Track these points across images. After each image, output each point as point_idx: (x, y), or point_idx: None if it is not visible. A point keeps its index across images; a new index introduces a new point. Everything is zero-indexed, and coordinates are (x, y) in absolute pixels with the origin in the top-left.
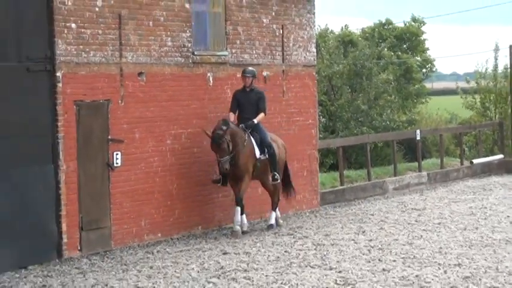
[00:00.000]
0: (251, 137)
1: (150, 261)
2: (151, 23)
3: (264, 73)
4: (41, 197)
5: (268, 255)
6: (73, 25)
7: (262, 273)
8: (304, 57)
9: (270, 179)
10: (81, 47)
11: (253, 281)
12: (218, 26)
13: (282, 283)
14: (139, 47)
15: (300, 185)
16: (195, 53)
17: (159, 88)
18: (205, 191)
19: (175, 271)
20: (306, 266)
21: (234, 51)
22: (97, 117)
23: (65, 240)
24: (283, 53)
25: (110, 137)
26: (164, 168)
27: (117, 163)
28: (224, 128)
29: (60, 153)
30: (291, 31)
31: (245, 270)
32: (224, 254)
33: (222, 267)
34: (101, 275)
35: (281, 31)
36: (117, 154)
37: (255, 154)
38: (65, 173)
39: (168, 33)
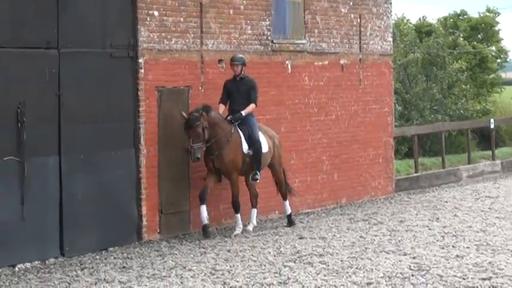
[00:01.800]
0: (239, 130)
1: (227, 245)
2: (231, 11)
3: (341, 61)
4: (122, 180)
5: (344, 241)
6: (155, 13)
7: (338, 258)
8: (381, 46)
9: (250, 177)
10: (163, 34)
11: (328, 265)
12: (297, 15)
13: (357, 268)
14: (220, 35)
15: (375, 172)
16: (274, 41)
17: None
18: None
19: (252, 255)
20: (381, 252)
21: (312, 39)
22: (177, 103)
23: (144, 223)
24: (360, 42)
25: None
26: None
27: None
28: (201, 111)
29: (142, 137)
30: (368, 20)
31: (321, 255)
32: (300, 238)
33: (298, 252)
34: (179, 258)
35: (358, 20)
36: None
37: (242, 149)
38: (145, 157)
39: (248, 21)
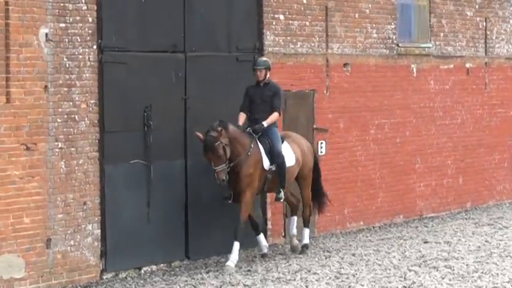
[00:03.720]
0: (259, 143)
1: (352, 249)
2: (357, 15)
3: (467, 65)
4: None
5: (469, 245)
6: (281, 17)
7: (463, 263)
8: (507, 49)
9: (275, 197)
10: (288, 38)
11: (453, 269)
12: (422, 18)
13: (482, 272)
14: (345, 39)
15: (500, 176)
16: (400, 44)
17: (364, 79)
18: (407, 180)
19: (376, 259)
20: (507, 256)
21: (437, 43)
22: (303, 107)
23: (269, 226)
24: (486, 46)
25: (315, 126)
26: (367, 158)
27: (321, 152)
28: (219, 129)
29: None
30: (494, 24)
31: (446, 259)
32: (425, 243)
33: (423, 256)
34: (304, 261)
35: (484, 24)
36: (321, 143)
37: (262, 165)
38: None
39: (374, 25)
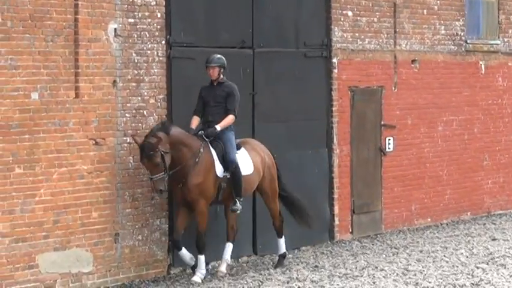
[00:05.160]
0: (211, 148)
1: (419, 245)
2: (425, 11)
3: None
4: (315, 180)
5: None
6: (349, 13)
7: None
8: None
9: (230, 207)
10: (356, 34)
11: None
12: (491, 15)
13: None
14: (413, 35)
15: None
16: (468, 41)
17: (431, 75)
18: (475, 177)
19: (444, 255)
20: None
21: (506, 40)
22: (370, 103)
23: (336, 222)
24: None
25: (382, 123)
26: (435, 154)
27: (389, 148)
28: (159, 134)
29: (335, 137)
30: None
31: None
32: (493, 240)
33: (490, 253)
34: (371, 258)
35: None
36: (389, 139)
37: (215, 172)
38: (338, 156)
39: (442, 21)
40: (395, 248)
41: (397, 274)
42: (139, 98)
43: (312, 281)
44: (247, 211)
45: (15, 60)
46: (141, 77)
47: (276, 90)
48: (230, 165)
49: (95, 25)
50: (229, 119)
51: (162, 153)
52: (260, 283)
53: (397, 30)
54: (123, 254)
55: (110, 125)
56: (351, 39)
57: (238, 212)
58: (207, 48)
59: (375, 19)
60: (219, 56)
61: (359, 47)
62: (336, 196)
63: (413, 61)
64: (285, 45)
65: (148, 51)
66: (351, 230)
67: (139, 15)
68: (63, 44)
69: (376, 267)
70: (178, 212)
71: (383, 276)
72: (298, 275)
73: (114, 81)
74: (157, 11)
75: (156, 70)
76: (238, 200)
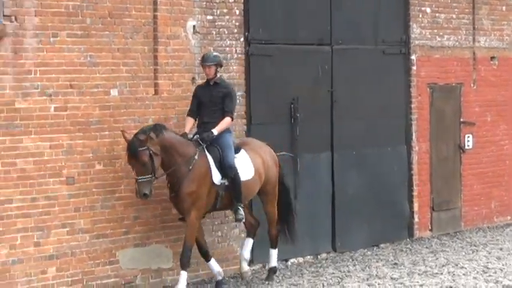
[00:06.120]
0: (207, 153)
1: (499, 243)
2: (504, 8)
3: None
4: (394, 177)
5: None
6: (428, 9)
7: None
8: None
9: (234, 217)
10: (435, 31)
11: None
12: None
13: None
14: (492, 32)
15: None
16: None
17: (510, 72)
18: None
19: None
20: None
21: None
22: (449, 100)
23: (416, 220)
24: None
25: (461, 120)
26: None
27: (468, 145)
28: (149, 133)
29: (413, 134)
30: None
31: None
32: None
33: None
34: (451, 255)
35: None
36: (468, 137)
37: (211, 179)
38: (417, 153)
39: None
40: (475, 246)
41: (477, 272)
42: None
43: (392, 278)
44: (326, 208)
45: (95, 57)
46: (220, 74)
47: (355, 87)
48: (228, 171)
49: (173, 22)
50: (226, 121)
51: (151, 152)
52: (340, 280)
53: (476, 26)
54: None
55: (183, 122)
56: (429, 36)
57: (242, 219)
58: (285, 45)
59: (454, 16)
60: (215, 53)
61: (438, 43)
62: (415, 193)
63: (492, 58)
64: (363, 42)
65: (227, 48)
66: (430, 228)
67: (218, 12)
68: (142, 41)
69: (456, 265)
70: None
71: (463, 274)
72: (377, 272)
73: (193, 78)
74: (235, 8)
75: (234, 67)
76: (240, 207)
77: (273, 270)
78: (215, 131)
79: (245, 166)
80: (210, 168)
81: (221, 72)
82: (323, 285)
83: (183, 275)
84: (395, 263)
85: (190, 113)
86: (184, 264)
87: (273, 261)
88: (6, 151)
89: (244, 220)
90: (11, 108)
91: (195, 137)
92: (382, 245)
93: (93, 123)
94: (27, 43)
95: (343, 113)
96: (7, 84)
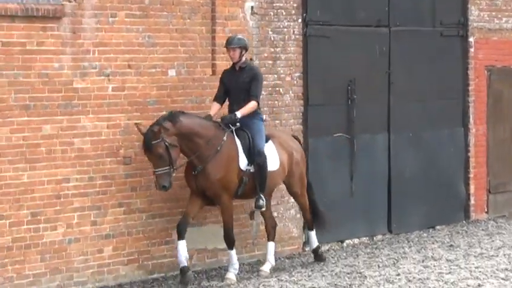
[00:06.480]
0: (235, 137)
1: None
2: None
3: None
4: (451, 159)
5: None
6: None
7: None
8: None
9: (253, 204)
10: (493, 13)
11: None
12: None
13: None
14: None
15: None
16: None
17: None
18: None
19: None
20: None
21: None
22: (507, 83)
23: (472, 202)
24: None
25: None
26: None
27: None
28: (164, 123)
29: (471, 116)
30: None
31: None
32: None
33: None
34: (507, 237)
35: None
36: None
37: (238, 164)
38: (474, 136)
39: None
40: None
41: None
42: (276, 76)
43: (448, 260)
44: (382, 189)
45: (153, 38)
46: (278, 55)
47: (412, 69)
48: (257, 157)
49: (231, 3)
50: (252, 105)
51: (167, 144)
52: (395, 261)
53: None
54: (259, 231)
55: None
56: (487, 18)
57: (263, 209)
58: (342, 27)
59: None
60: (240, 36)
61: (496, 26)
62: (471, 175)
63: None
64: (421, 24)
65: (285, 29)
66: (486, 210)
67: None
68: (200, 21)
69: None
70: (191, 199)
71: None
72: (433, 254)
73: (251, 59)
74: None
75: (292, 48)
76: (263, 196)
77: (317, 250)
78: (239, 114)
79: (271, 157)
80: (238, 152)
81: (278, 53)
82: (378, 267)
83: (232, 254)
84: (451, 245)
85: (216, 99)
86: (230, 244)
87: (314, 242)
88: (64, 130)
89: (263, 208)
90: (69, 88)
91: (220, 120)
92: (437, 227)
93: (150, 104)
94: (85, 23)
95: (400, 95)
96: (65, 64)
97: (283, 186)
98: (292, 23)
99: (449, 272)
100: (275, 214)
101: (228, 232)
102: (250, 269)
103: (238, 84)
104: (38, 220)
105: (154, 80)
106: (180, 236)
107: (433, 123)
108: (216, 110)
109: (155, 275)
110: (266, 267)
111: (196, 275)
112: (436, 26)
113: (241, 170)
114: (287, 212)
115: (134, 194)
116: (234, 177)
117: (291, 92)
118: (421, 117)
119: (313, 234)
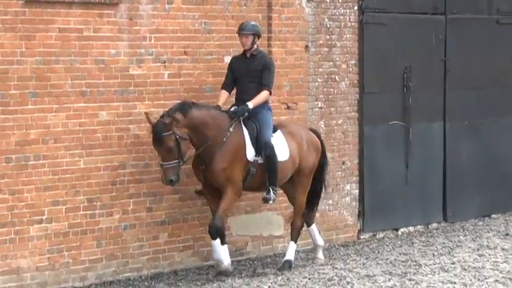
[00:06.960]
0: (244, 127)
1: None
2: None
3: None
4: (507, 148)
5: None
6: None
7: None
8: None
9: (262, 196)
10: None
11: None
12: None
13: None
14: None
15: None
16: None
17: None
18: None
19: None
20: None
21: None
22: None
23: None
24: None
25: None
26: None
27: None
28: (176, 115)
29: None
30: None
31: None
32: None
33: None
34: None
35: None
36: None
37: (245, 155)
38: None
39: None
40: None
41: None
42: (331, 63)
43: (503, 249)
44: (437, 178)
45: (209, 25)
46: (333, 42)
47: (468, 56)
48: (264, 148)
49: None
50: (264, 95)
51: (177, 137)
52: (450, 250)
53: None
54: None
55: (301, 90)
56: None
57: (271, 202)
58: (399, 14)
59: None
60: (253, 23)
61: None
62: None
63: None
64: (477, 12)
65: (341, 17)
66: None
67: None
68: (257, 8)
69: None
70: (208, 196)
71: None
72: (488, 243)
73: (307, 46)
74: None
75: (348, 35)
76: (273, 189)
77: (288, 263)
78: (250, 104)
79: (280, 147)
80: (245, 142)
81: (334, 41)
82: (433, 255)
83: (215, 244)
84: (507, 234)
85: (225, 87)
86: (213, 235)
87: (290, 254)
88: (120, 117)
89: (272, 202)
90: (125, 75)
91: (230, 111)
92: (493, 216)
93: (206, 90)
94: (142, 10)
95: (456, 83)
96: (122, 51)
97: (338, 174)
98: (348, 10)
99: (505, 261)
100: (330, 202)
101: (218, 224)
102: (305, 256)
103: (249, 72)
104: (94, 206)
105: (210, 66)
106: (214, 237)
107: (489, 111)
108: (224, 98)
109: (210, 262)
110: (320, 254)
111: (251, 262)
112: (492, 13)
113: (249, 160)
114: (342, 199)
115: (190, 181)
116: (239, 168)
117: (346, 79)
118: (477, 106)
119: (293, 246)
